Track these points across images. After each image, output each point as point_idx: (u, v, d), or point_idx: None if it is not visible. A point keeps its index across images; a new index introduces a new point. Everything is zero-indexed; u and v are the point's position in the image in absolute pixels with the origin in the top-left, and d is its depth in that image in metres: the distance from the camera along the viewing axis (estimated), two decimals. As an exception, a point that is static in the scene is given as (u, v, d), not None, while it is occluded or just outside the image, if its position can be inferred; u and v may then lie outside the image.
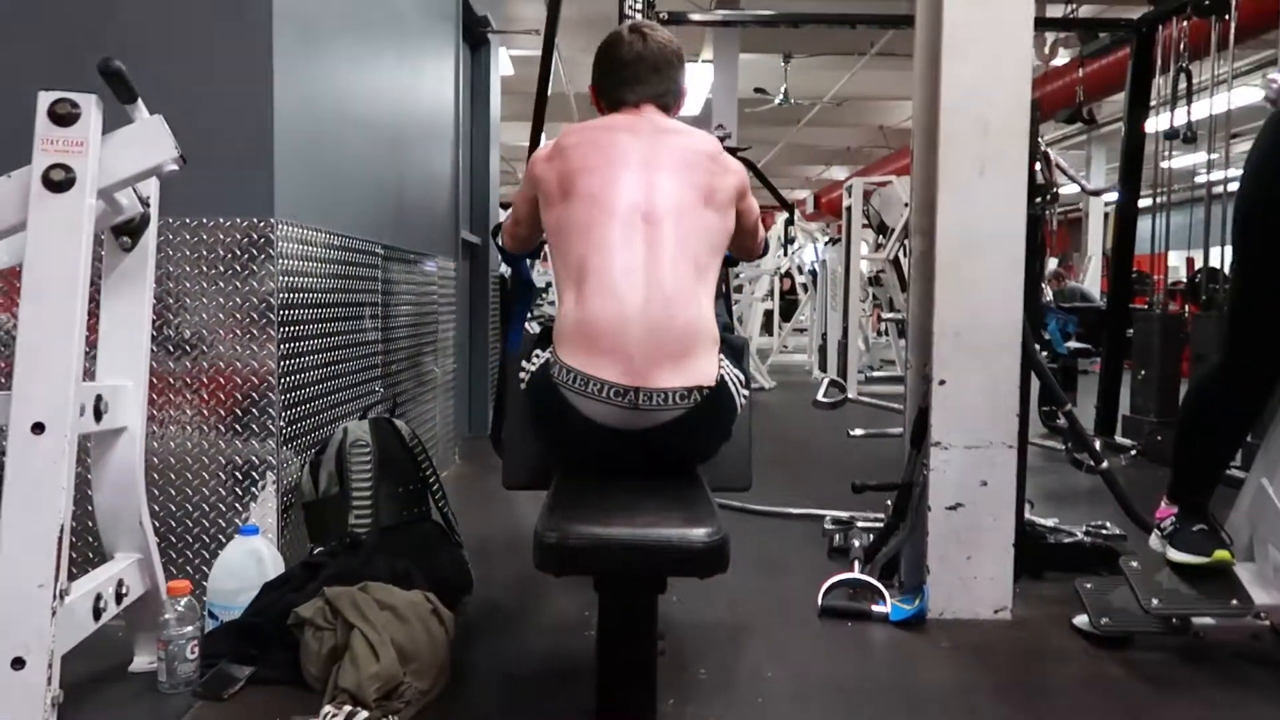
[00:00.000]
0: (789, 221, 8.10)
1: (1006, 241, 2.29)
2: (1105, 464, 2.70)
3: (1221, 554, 1.99)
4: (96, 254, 1.75)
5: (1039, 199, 2.58)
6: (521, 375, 1.77)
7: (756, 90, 10.68)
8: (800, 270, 10.38)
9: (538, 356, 1.74)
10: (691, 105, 11.40)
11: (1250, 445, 2.62)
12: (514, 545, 2.89)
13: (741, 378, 1.78)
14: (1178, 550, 2.05)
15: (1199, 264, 4.87)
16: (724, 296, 2.20)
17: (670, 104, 1.95)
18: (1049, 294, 10.64)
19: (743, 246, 2.10)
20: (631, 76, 1.90)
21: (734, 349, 1.82)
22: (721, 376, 1.70)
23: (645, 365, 1.62)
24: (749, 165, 6.18)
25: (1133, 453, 4.48)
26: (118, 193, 1.70)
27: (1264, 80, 1.72)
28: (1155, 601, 2.02)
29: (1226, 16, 4.33)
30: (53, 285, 1.51)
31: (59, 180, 1.51)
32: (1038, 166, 2.56)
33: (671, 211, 1.74)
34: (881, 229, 7.70)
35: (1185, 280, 6.29)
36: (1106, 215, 10.58)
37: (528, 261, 2.36)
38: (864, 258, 7.92)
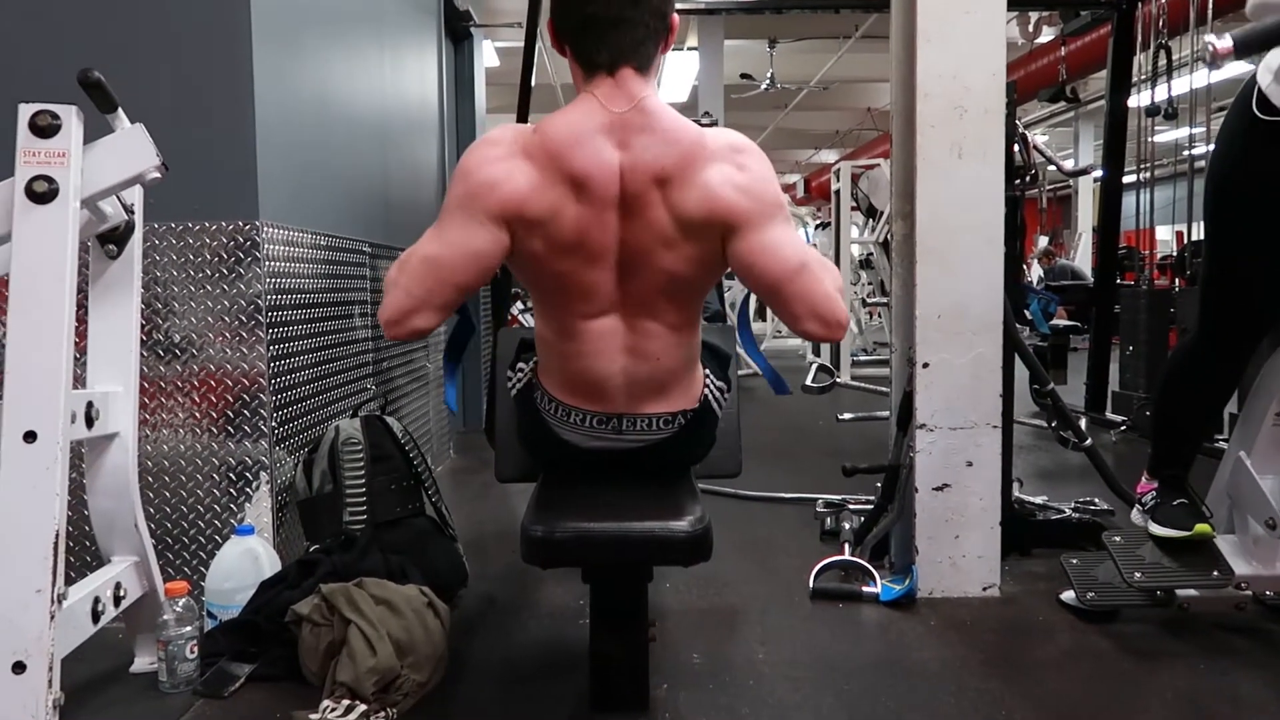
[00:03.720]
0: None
1: (985, 224, 2.31)
2: (1089, 441, 2.73)
3: (1202, 527, 2.03)
4: (83, 262, 1.77)
5: (1018, 181, 2.60)
6: (508, 384, 1.76)
7: (743, 76, 10.66)
8: (792, 255, 10.38)
9: (521, 370, 1.72)
10: (678, 93, 11.38)
11: (1235, 417, 2.65)
12: (508, 538, 2.90)
13: (723, 386, 1.73)
14: (1159, 524, 2.08)
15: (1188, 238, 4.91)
16: (716, 284, 2.12)
17: (652, 56, 1.52)
18: (1038, 272, 10.67)
19: (774, 308, 1.51)
20: (601, 14, 1.47)
21: (718, 356, 1.77)
22: (704, 396, 1.67)
23: (627, 403, 1.61)
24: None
25: (1122, 428, 4.51)
26: (101, 201, 1.71)
27: (1203, 45, 1.73)
28: (1138, 575, 2.06)
29: (1205, -9, 4.36)
30: (40, 295, 1.53)
31: (42, 191, 1.52)
32: (1016, 148, 2.59)
33: (647, 259, 1.48)
34: (870, 212, 7.72)
35: (1174, 254, 6.33)
36: (1096, 192, 10.61)
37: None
38: (854, 241, 7.94)
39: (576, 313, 1.53)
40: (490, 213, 1.42)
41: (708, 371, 1.70)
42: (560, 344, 1.58)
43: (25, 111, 1.54)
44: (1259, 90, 1.84)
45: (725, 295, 7.39)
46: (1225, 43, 1.68)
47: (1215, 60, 1.69)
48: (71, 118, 1.56)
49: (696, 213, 1.44)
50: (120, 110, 1.67)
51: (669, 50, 1.58)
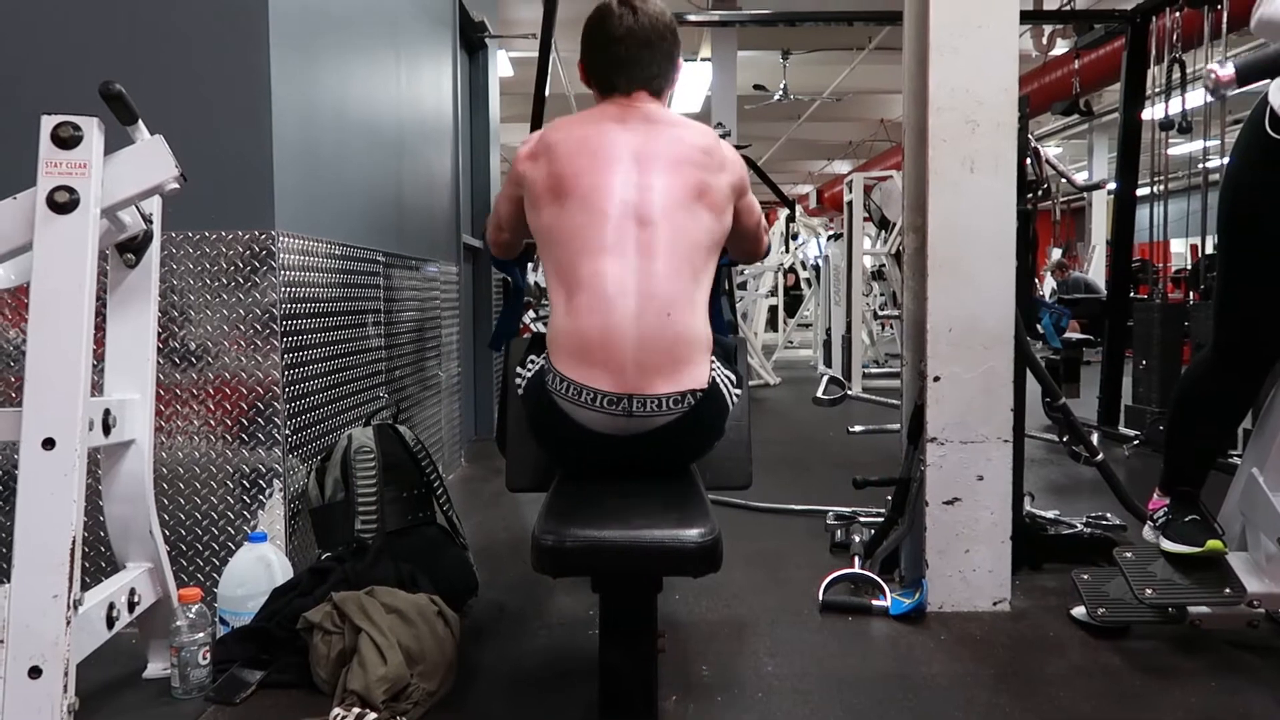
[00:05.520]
0: (790, 218, 8.12)
1: (997, 238, 2.31)
2: (1100, 455, 2.72)
3: (1214, 543, 2.02)
4: (102, 271, 1.79)
5: (1030, 195, 2.60)
6: (517, 381, 1.80)
7: (756, 87, 10.71)
8: (804, 265, 10.41)
9: (533, 363, 1.77)
10: (691, 103, 11.42)
11: (1249, 433, 2.64)
12: (518, 547, 2.92)
13: (733, 378, 1.80)
14: (1171, 540, 2.07)
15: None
16: (727, 294, 2.24)
17: (663, 87, 1.88)
18: (1051, 285, 10.63)
19: (742, 249, 2.05)
20: (622, 54, 1.82)
21: (725, 350, 1.84)
22: (713, 379, 1.72)
23: (638, 374, 1.63)
24: (749, 163, 6.22)
25: (1135, 443, 4.49)
26: (121, 211, 1.74)
27: (1205, 74, 1.75)
28: (1149, 592, 2.05)
29: (1219, 6, 4.35)
30: (60, 303, 1.55)
31: (63, 202, 1.55)
32: (1028, 162, 2.59)
33: (664, 213, 1.70)
34: (883, 223, 7.71)
35: (1189, 268, 6.30)
36: (1110, 205, 10.56)
37: (528, 265, 2.39)
38: (866, 253, 7.94)
39: (591, 249, 1.68)
40: (511, 177, 1.88)
41: (715, 360, 1.75)
42: (573, 294, 1.68)
43: (48, 123, 1.57)
44: (1271, 109, 1.84)
45: (737, 305, 7.41)
46: (1228, 71, 1.68)
47: (1218, 89, 1.71)
48: (93, 129, 1.58)
49: (736, 182, 1.84)
50: (140, 122, 1.69)
51: (673, 92, 1.94)
